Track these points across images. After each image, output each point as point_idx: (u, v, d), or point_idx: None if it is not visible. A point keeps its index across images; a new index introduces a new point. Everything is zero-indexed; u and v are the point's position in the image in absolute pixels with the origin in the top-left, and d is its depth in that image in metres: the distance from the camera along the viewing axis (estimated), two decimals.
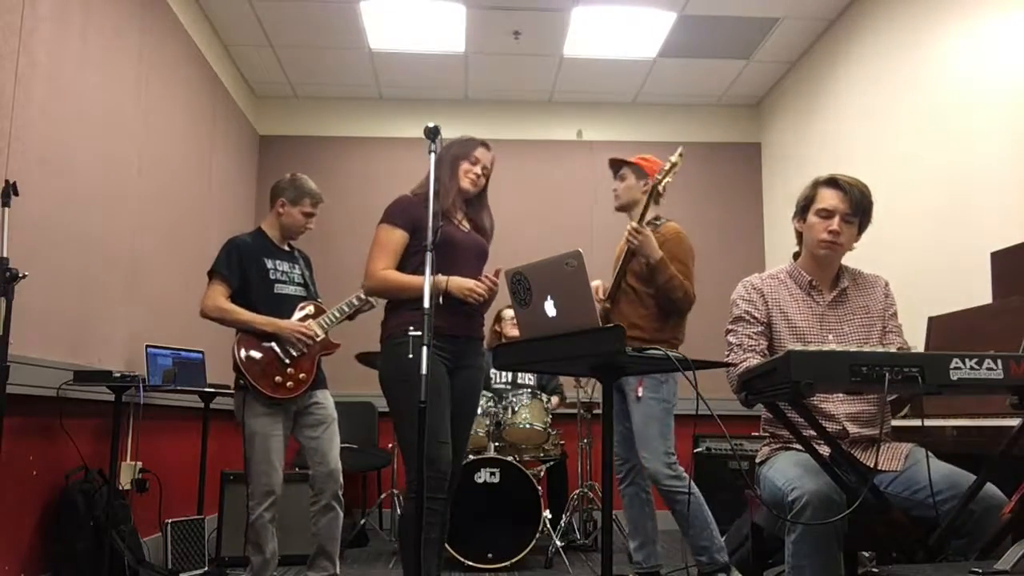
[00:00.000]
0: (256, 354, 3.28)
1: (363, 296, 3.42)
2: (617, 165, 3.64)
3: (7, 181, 2.63)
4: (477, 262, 2.94)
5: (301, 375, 3.32)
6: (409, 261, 2.84)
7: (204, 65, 5.13)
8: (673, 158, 3.36)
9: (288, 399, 3.30)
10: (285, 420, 3.32)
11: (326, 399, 3.44)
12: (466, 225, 2.97)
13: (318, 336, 3.36)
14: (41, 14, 3.21)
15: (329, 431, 3.39)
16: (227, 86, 5.58)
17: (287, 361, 3.30)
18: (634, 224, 3.34)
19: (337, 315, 3.44)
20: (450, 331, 2.76)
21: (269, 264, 3.40)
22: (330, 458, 3.35)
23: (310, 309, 3.45)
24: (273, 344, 3.30)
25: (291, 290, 3.44)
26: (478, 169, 2.94)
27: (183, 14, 4.73)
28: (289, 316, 3.38)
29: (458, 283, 2.77)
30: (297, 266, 3.52)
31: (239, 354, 3.26)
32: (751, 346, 2.36)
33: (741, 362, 2.31)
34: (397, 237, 2.82)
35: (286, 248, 3.53)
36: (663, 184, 3.41)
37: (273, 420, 3.27)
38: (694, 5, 5.00)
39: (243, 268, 3.34)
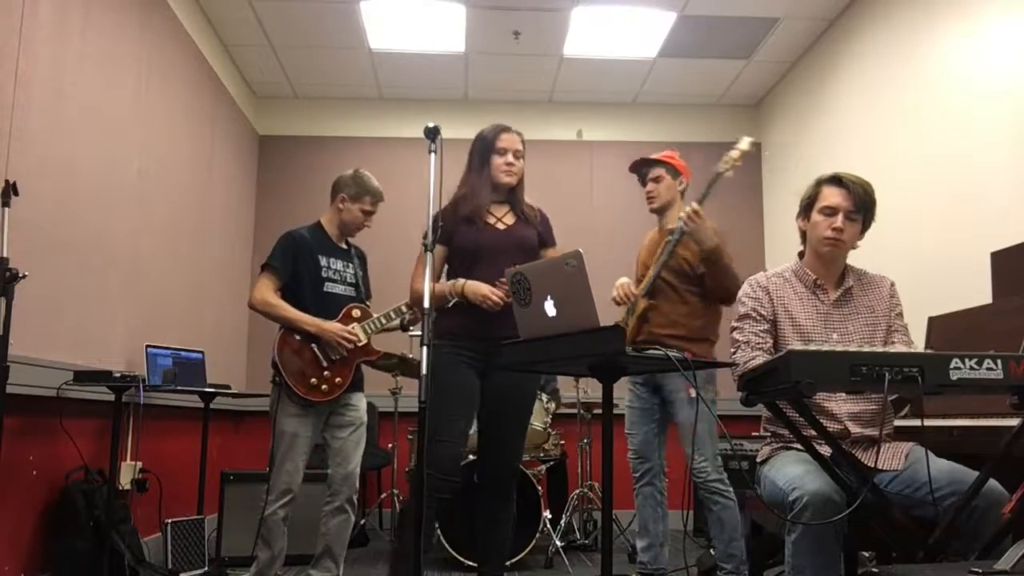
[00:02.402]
0: (295, 353, 3.26)
1: (403, 309, 3.36)
2: (648, 164, 3.50)
3: (7, 181, 2.62)
4: (514, 259, 2.72)
5: (337, 379, 3.29)
6: (453, 269, 2.91)
7: (204, 65, 5.13)
8: (744, 147, 3.11)
9: (322, 402, 3.28)
10: (316, 422, 3.30)
11: (359, 402, 3.41)
12: (508, 221, 2.90)
13: (360, 340, 3.32)
14: (41, 14, 3.21)
15: (356, 434, 3.37)
16: (227, 86, 5.57)
17: (325, 364, 3.28)
18: (695, 205, 3.10)
19: (383, 321, 3.37)
20: (474, 332, 2.76)
21: (323, 261, 3.38)
22: (351, 461, 3.33)
23: (356, 312, 3.40)
24: (314, 345, 3.28)
25: (340, 289, 3.41)
26: (509, 157, 2.88)
27: (183, 14, 4.73)
28: (335, 316, 3.34)
29: (473, 288, 2.76)
30: (351, 265, 3.48)
31: (278, 351, 3.25)
32: (758, 344, 2.36)
33: (750, 360, 2.31)
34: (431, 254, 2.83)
35: (343, 246, 3.50)
36: (726, 174, 3.13)
37: (304, 422, 3.26)
38: (694, 5, 5.00)
39: (296, 263, 3.32)
